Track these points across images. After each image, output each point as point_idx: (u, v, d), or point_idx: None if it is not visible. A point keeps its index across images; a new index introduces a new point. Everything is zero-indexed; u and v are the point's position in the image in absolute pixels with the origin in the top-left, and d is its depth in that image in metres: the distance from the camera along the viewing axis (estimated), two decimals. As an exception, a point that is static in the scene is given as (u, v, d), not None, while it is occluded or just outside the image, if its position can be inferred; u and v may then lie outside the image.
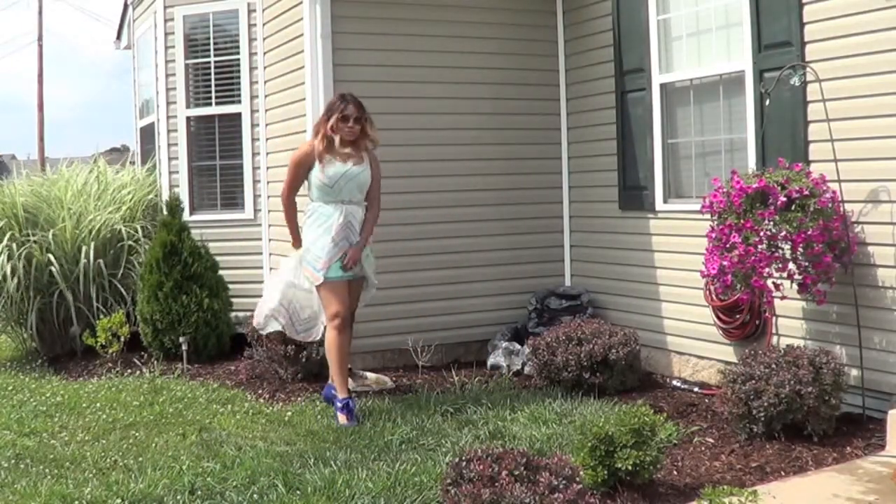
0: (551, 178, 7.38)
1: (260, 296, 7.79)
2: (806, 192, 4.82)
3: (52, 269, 7.78)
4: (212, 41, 8.20)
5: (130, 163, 9.75)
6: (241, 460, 4.63)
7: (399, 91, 6.84)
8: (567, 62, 7.34)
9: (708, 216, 5.12)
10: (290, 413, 5.67)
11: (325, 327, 5.77)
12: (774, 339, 5.45)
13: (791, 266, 4.89)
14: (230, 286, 7.76)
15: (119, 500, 4.12)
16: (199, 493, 4.22)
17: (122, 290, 8.02)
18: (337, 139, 5.58)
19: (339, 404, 5.45)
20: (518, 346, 6.71)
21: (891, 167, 4.92)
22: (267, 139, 7.83)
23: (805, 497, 4.03)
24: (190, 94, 8.33)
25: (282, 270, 5.97)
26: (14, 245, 7.80)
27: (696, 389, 5.99)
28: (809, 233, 4.74)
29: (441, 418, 5.40)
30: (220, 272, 7.69)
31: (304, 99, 6.84)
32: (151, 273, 7.49)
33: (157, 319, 7.42)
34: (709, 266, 4.99)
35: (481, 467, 3.56)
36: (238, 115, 8.08)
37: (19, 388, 6.77)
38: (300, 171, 5.70)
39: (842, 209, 5.00)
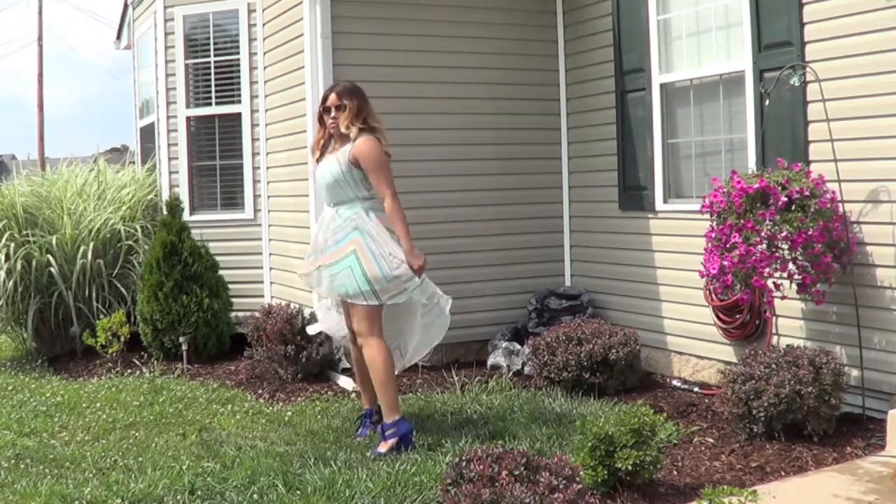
0: (551, 178, 7.38)
1: (260, 296, 7.87)
2: (806, 193, 4.83)
3: (52, 269, 7.78)
4: (212, 41, 8.20)
5: (130, 163, 9.75)
6: (241, 460, 4.63)
7: (399, 91, 6.84)
8: (567, 62, 7.34)
9: (708, 216, 5.12)
10: (290, 413, 5.67)
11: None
12: (774, 339, 5.45)
13: (791, 266, 4.89)
14: (230, 286, 7.76)
15: (119, 500, 4.13)
16: (199, 493, 4.22)
17: (122, 290, 8.02)
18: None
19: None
20: (518, 346, 6.71)
21: (891, 167, 4.92)
22: (267, 139, 7.84)
23: (805, 497, 4.03)
24: (190, 94, 8.33)
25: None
26: (13, 245, 7.80)
27: (696, 389, 5.99)
28: (810, 233, 4.74)
29: (441, 418, 5.40)
30: (221, 272, 7.70)
31: (304, 99, 6.84)
32: (151, 273, 7.49)
33: (157, 319, 7.42)
34: (709, 266, 4.99)
35: (481, 467, 3.56)
36: (238, 115, 8.08)
37: (19, 388, 6.77)
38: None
39: (841, 209, 5.00)
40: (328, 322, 5.37)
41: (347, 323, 5.10)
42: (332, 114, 4.96)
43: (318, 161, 5.09)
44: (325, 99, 5.02)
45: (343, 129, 4.92)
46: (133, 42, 9.99)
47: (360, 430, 5.16)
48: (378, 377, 4.88)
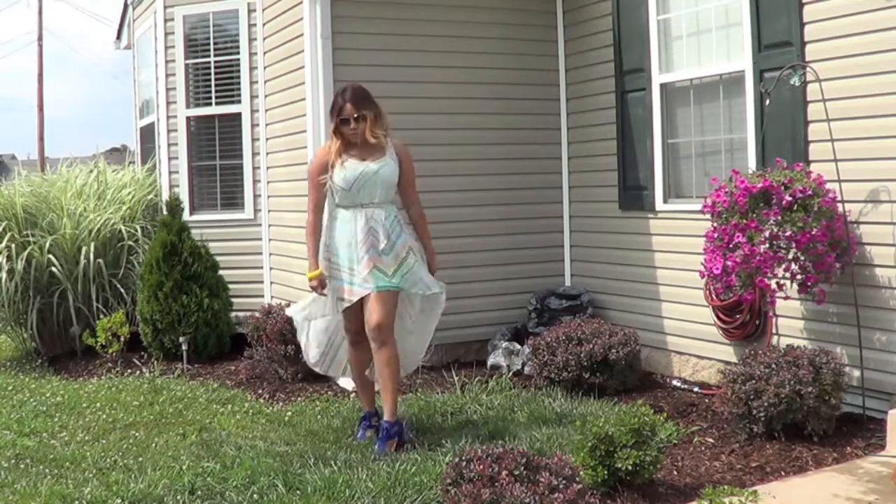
0: (551, 178, 7.38)
1: (260, 296, 7.87)
2: (809, 192, 4.83)
3: (52, 269, 7.78)
4: (212, 41, 8.20)
5: (130, 163, 9.75)
6: (241, 460, 4.63)
7: (399, 91, 6.84)
8: (567, 62, 7.34)
9: (709, 217, 5.11)
10: (290, 413, 5.67)
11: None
12: (774, 339, 5.45)
13: (794, 266, 4.89)
14: (230, 286, 7.76)
15: (119, 500, 4.12)
16: (199, 493, 4.22)
17: (122, 290, 8.02)
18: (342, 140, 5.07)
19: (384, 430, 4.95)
20: (518, 346, 6.71)
21: (891, 167, 4.92)
22: (267, 139, 7.84)
23: (805, 497, 4.03)
24: (190, 94, 8.34)
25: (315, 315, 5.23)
26: (14, 246, 7.80)
27: (696, 389, 5.99)
28: (814, 233, 4.74)
29: (441, 418, 5.40)
30: (221, 272, 7.70)
31: (304, 99, 6.84)
32: (151, 273, 7.49)
33: (157, 319, 7.42)
34: (712, 266, 4.98)
35: (481, 467, 3.56)
36: (238, 115, 8.08)
37: (19, 388, 6.77)
38: (320, 182, 4.99)
39: (841, 209, 5.00)
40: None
41: (352, 327, 5.06)
42: (352, 125, 4.93)
43: (342, 164, 4.98)
44: (341, 110, 4.96)
45: (371, 140, 4.95)
46: (133, 42, 9.99)
47: (359, 434, 5.15)
48: (395, 377, 4.97)
